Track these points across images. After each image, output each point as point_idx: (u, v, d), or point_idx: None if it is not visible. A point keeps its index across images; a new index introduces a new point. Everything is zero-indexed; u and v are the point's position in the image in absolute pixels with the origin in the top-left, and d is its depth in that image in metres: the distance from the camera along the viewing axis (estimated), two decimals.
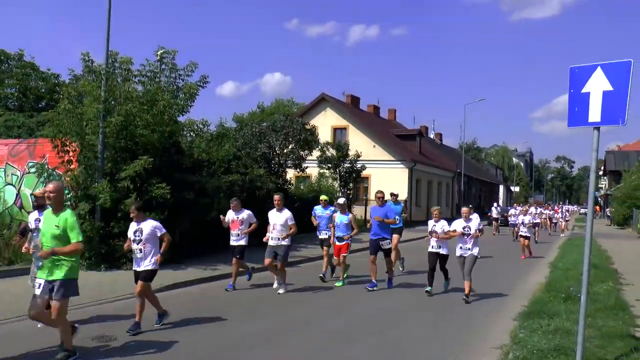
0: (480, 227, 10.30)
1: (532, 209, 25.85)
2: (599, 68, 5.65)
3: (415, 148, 39.46)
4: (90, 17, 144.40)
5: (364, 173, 29.46)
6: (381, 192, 11.34)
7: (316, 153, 25.64)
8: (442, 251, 10.56)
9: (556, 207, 50.15)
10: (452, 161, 47.35)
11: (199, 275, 11.88)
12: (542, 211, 32.74)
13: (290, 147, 22.10)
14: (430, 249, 10.69)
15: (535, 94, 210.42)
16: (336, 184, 26.72)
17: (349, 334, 7.46)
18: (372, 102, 45.75)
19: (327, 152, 26.68)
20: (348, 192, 27.58)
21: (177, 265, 12.95)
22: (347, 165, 27.14)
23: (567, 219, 35.75)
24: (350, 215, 11.76)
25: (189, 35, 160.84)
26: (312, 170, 27.10)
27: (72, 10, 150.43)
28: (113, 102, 13.13)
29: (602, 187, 73.45)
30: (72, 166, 13.14)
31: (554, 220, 34.27)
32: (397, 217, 12.55)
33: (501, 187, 76.31)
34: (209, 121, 15.85)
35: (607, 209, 54.94)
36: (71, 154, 13.20)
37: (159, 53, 13.85)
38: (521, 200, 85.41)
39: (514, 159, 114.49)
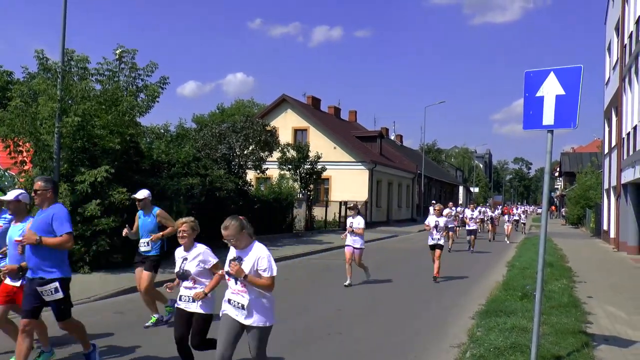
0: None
1: (447, 210, 21.09)
2: (552, 73, 5.83)
3: (376, 149, 39.95)
4: (43, 14, 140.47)
5: (325, 174, 29.63)
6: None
7: (277, 154, 25.68)
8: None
9: (506, 207, 51.01)
10: (413, 162, 47.98)
11: (157, 278, 11.67)
12: (486, 211, 31.83)
13: (250, 148, 22.02)
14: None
15: (495, 97, 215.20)
16: (297, 186, 26.77)
17: (307, 336, 7.48)
18: (333, 104, 46.06)
19: (287, 154, 26.75)
20: (309, 193, 27.66)
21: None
22: (307, 166, 27.27)
23: (523, 221, 35.32)
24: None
25: (149, 34, 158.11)
26: (273, 171, 27.05)
27: (23, 8, 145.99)
28: (69, 101, 12.82)
29: (557, 188, 75.72)
30: (26, 167, 12.78)
31: (503, 222, 31.85)
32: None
33: (461, 188, 77.81)
34: (169, 122, 15.66)
35: (563, 209, 56.60)
36: (25, 154, 12.83)
37: (118, 52, 13.59)
38: (480, 200, 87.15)
39: (473, 160, 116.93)
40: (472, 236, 20.83)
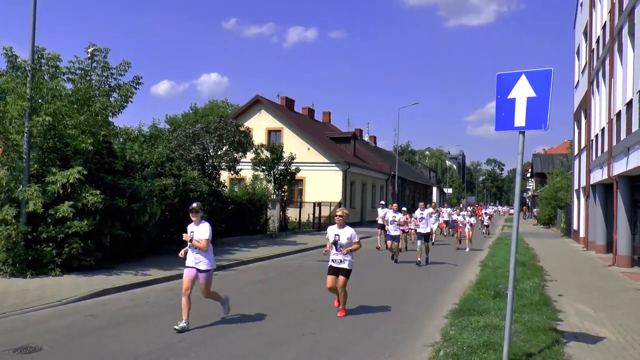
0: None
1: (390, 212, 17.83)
2: (523, 75, 5.95)
3: (350, 150, 40.17)
4: (12, 10, 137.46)
5: (299, 175, 29.72)
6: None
7: (250, 155, 25.62)
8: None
9: (477, 208, 51.32)
10: (387, 163, 48.31)
11: (130, 280, 11.58)
12: (451, 212, 29.80)
13: (224, 149, 21.96)
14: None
15: (469, 98, 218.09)
16: (271, 187, 26.72)
17: (281, 337, 7.46)
18: (307, 105, 46.37)
19: (261, 154, 26.71)
20: (282, 194, 27.65)
21: (109, 270, 12.59)
22: (281, 167, 27.25)
23: (485, 223, 33.92)
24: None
25: (123, 33, 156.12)
26: (247, 172, 27.14)
27: None
28: (40, 100, 12.59)
29: (529, 189, 76.95)
30: None
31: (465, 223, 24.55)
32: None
33: (434, 189, 78.55)
34: (143, 122, 15.46)
35: (534, 210, 57.56)
36: None
37: (90, 50, 13.39)
38: (454, 201, 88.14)
39: (447, 161, 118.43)
40: (424, 241, 16.52)
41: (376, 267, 15.57)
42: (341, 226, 8.83)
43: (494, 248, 21.44)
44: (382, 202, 20.97)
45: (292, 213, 29.57)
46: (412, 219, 18.28)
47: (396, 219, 16.92)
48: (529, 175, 73.36)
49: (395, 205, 17.61)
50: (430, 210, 17.87)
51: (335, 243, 8.79)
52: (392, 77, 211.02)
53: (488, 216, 35.32)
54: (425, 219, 16.82)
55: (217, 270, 13.76)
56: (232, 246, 19.09)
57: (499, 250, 19.71)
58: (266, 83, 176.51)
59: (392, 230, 16.86)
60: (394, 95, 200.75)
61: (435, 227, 23.64)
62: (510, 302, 5.86)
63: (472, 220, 23.17)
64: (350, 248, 8.68)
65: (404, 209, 20.18)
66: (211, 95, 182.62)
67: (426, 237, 16.80)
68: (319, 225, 30.26)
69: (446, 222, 30.71)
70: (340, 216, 8.81)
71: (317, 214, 30.66)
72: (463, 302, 9.41)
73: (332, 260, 8.86)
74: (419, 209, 17.26)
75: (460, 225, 23.93)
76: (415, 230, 17.72)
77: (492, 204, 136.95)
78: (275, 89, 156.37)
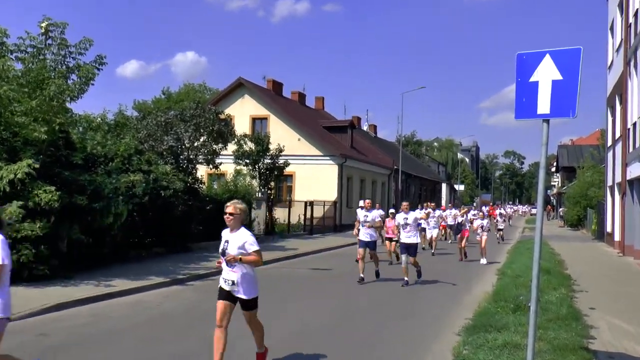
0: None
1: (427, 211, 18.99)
2: (547, 55, 5.92)
3: (347, 142, 40.28)
4: None
5: (287, 170, 29.81)
6: None
7: (232, 147, 25.61)
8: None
9: (492, 208, 50.85)
10: (389, 156, 48.44)
11: (91, 292, 11.50)
12: (444, 215, 27.75)
13: (201, 139, 21.89)
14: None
15: (484, 82, 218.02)
16: (255, 183, 26.67)
17: (268, 356, 7.41)
18: (297, 89, 46.28)
19: (244, 146, 26.75)
20: (269, 192, 27.60)
21: (66, 281, 12.49)
22: (267, 161, 27.30)
23: (500, 226, 32.63)
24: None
25: (84, 5, 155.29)
26: (228, 166, 27.05)
27: None
28: None
29: (554, 185, 77.20)
30: None
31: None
32: None
33: (444, 186, 78.73)
34: (107, 109, 15.37)
35: (560, 209, 57.73)
36: None
37: (43, 25, 13.29)
38: (467, 199, 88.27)
39: (458, 154, 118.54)
40: (409, 255, 14.21)
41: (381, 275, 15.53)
42: (233, 229, 6.60)
43: (513, 253, 21.46)
44: (392, 211, 18.48)
45: (280, 213, 29.56)
46: (395, 224, 15.56)
47: (368, 219, 14.50)
48: (553, 169, 73.65)
49: (406, 204, 15.14)
50: (418, 213, 15.72)
51: (223, 253, 6.55)
52: (394, 58, 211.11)
53: (503, 218, 34.46)
54: (411, 226, 14.19)
55: (194, 280, 13.75)
56: (211, 252, 18.99)
57: (520, 255, 19.72)
58: (250, 64, 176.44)
59: (363, 235, 14.50)
60: (397, 79, 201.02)
61: (435, 233, 22.91)
62: (533, 316, 5.81)
63: (485, 223, 20.51)
64: (243, 258, 6.38)
65: (392, 211, 18.78)
66: (187, 78, 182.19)
67: (411, 250, 14.17)
68: (311, 228, 30.26)
69: (450, 227, 28.30)
70: (231, 214, 6.54)
71: (309, 215, 30.65)
72: (478, 316, 9.35)
73: (224, 281, 6.57)
74: (402, 212, 14.51)
75: (467, 229, 21.71)
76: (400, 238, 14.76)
77: (510, 202, 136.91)
78: (260, 71, 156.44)
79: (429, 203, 17.66)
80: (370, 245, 14.49)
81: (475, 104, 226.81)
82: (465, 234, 21.13)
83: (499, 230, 32.11)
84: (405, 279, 13.94)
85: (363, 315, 10.27)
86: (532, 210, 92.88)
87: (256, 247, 6.45)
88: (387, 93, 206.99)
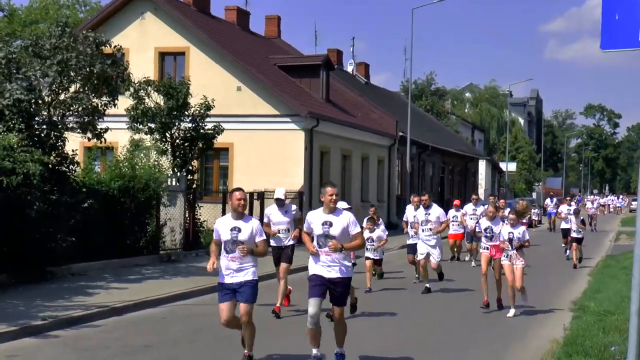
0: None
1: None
2: None
3: (319, 92, 27.19)
4: None
5: (221, 140, 20.36)
6: None
7: (126, 102, 17.61)
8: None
9: (562, 202, 30.46)
10: (390, 117, 33.37)
11: None
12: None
13: (72, 89, 14.91)
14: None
15: None
16: (166, 162, 18.30)
17: None
18: (234, 3, 32.43)
19: (146, 100, 18.40)
20: (190, 177, 19.05)
21: None
22: (187, 125, 18.80)
23: (573, 232, 19.42)
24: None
25: None
26: (119, 135, 18.88)
27: None
28: None
29: None
30: None
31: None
32: None
33: (482, 164, 54.58)
34: None
35: None
36: None
37: None
38: (520, 187, 66.99)
39: (507, 111, 71.72)
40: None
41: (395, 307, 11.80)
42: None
43: (598, 276, 16.39)
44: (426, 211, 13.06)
45: (208, 212, 19.47)
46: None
47: (431, 218, 12.88)
48: None
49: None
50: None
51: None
52: None
53: (577, 216, 19.85)
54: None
55: (62, 328, 9.67)
56: (92, 279, 13.47)
57: (609, 279, 15.29)
58: None
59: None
60: None
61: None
62: None
63: (518, 234, 10.94)
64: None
65: (372, 208, 15.66)
66: None
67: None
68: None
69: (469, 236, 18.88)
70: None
71: (257, 214, 18.81)
72: None
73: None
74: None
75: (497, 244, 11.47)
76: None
77: (595, 192, 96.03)
78: None
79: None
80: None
81: (534, 25, 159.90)
82: (494, 254, 11.54)
83: (575, 240, 19.33)
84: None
85: None
86: (633, 203, 67.41)
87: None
88: (387, 10, 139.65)
